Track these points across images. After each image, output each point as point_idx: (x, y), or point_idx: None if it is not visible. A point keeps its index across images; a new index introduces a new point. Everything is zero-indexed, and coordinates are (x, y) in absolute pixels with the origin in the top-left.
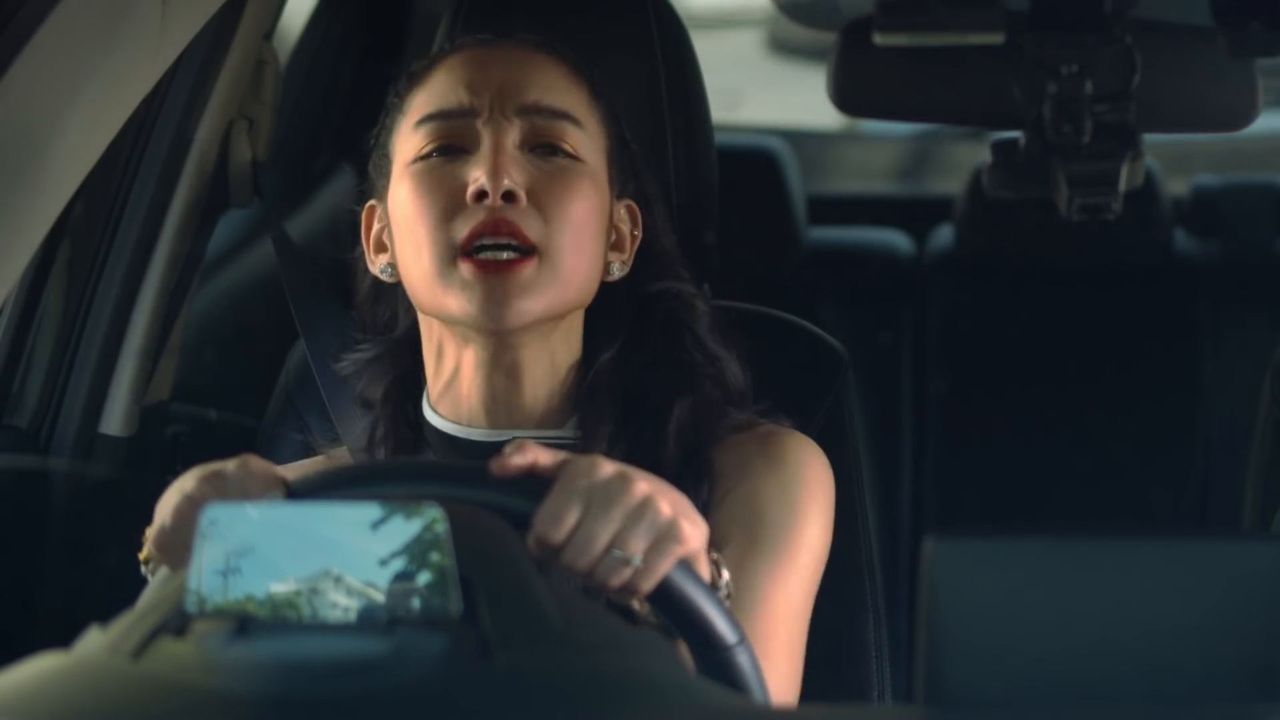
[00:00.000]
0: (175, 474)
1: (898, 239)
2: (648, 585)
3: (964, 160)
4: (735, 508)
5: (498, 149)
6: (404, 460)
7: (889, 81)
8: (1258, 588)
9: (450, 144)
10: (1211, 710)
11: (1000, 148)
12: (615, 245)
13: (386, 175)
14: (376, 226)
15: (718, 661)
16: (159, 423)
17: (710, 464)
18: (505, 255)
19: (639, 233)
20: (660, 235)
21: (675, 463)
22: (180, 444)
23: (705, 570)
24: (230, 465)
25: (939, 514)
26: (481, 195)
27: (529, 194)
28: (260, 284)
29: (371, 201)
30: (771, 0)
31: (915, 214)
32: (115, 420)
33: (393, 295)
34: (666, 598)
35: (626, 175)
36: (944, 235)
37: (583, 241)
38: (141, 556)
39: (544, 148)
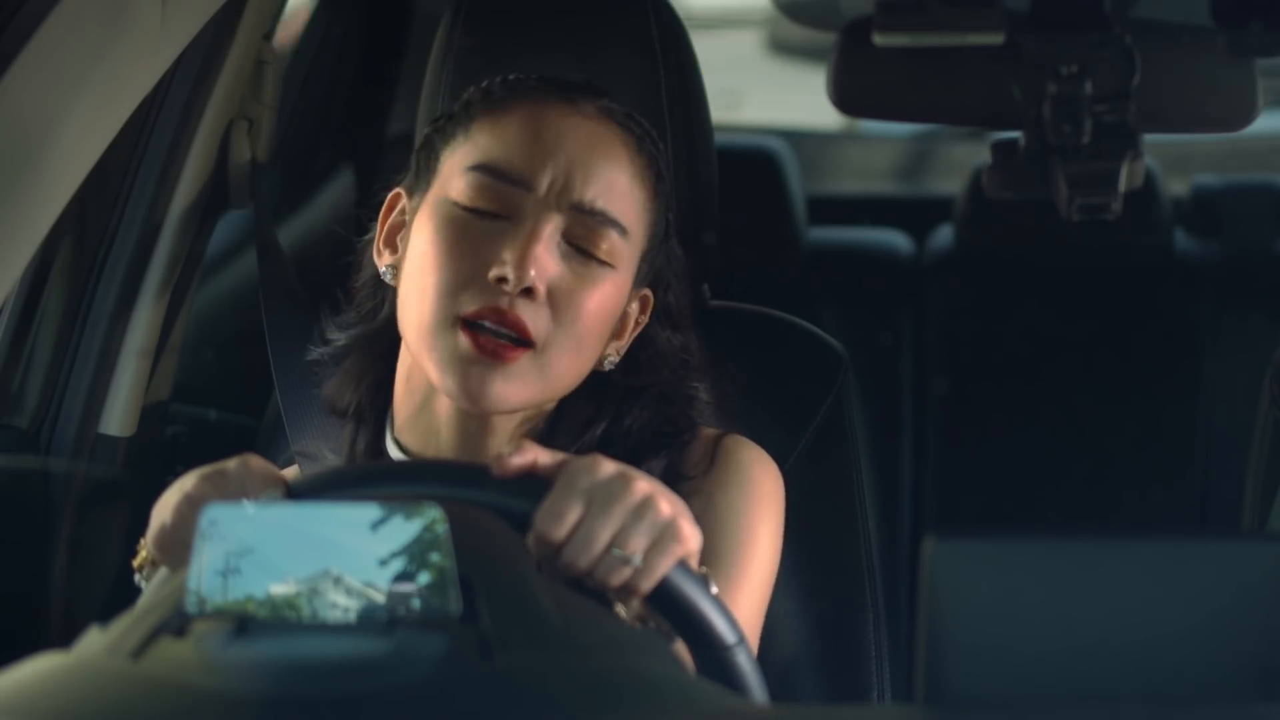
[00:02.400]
0: (175, 474)
1: (898, 239)
2: (648, 585)
3: (964, 160)
4: None
5: (533, 236)
6: (404, 460)
7: (889, 81)
8: (1258, 588)
9: (494, 210)
10: (1211, 710)
11: (1000, 148)
12: (616, 333)
13: (426, 181)
14: (395, 218)
15: (717, 661)
16: (159, 423)
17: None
18: (501, 341)
19: (644, 319)
20: (662, 329)
21: None
22: (180, 444)
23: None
24: (230, 464)
25: (939, 514)
26: (502, 279)
27: (549, 289)
28: None
29: (399, 190)
30: (771, 0)
31: (915, 214)
32: (115, 420)
33: (389, 294)
34: (666, 597)
35: (655, 264)
36: (944, 235)
37: (585, 343)
38: (135, 563)
39: (581, 248)
